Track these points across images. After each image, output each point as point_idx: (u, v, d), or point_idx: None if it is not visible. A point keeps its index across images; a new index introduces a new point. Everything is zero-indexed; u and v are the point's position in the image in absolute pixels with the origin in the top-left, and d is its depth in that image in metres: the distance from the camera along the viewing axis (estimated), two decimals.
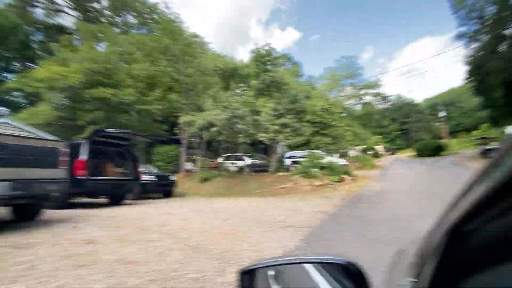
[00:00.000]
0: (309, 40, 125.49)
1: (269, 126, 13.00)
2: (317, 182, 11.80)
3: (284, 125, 13.05)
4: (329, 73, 49.24)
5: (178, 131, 16.30)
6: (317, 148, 24.86)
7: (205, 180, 14.32)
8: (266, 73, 13.57)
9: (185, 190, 13.76)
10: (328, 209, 6.91)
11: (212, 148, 22.44)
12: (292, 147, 27.27)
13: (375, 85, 49.05)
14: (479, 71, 35.26)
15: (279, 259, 0.95)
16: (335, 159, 15.86)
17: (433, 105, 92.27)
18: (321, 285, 0.80)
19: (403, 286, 0.58)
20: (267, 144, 29.15)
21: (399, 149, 73.68)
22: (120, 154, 8.89)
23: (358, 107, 52.20)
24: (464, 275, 0.42)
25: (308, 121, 24.70)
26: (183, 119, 12.27)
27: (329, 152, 24.81)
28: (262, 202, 8.91)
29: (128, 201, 10.22)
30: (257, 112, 16.10)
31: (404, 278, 0.57)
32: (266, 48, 14.12)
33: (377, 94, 69.63)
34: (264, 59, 14.02)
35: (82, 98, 16.12)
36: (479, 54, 33.50)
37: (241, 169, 15.62)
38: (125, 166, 8.89)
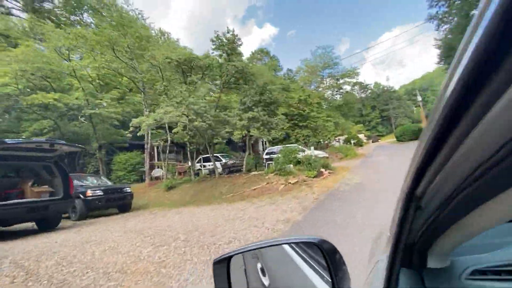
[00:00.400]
0: (287, 35, 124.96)
1: (236, 122, 11.62)
2: (293, 180, 10.61)
3: (253, 119, 11.72)
4: (306, 64, 48.49)
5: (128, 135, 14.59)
6: (296, 141, 23.85)
7: (171, 188, 12.80)
8: (229, 63, 12.15)
9: (148, 201, 12.20)
10: (295, 216, 5.67)
11: (187, 150, 20.85)
12: (273, 143, 26.13)
13: (353, 73, 48.80)
14: (451, 53, 35.78)
15: (253, 244, 0.87)
16: (314, 152, 14.78)
17: (410, 91, 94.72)
18: (299, 263, 0.85)
19: (381, 261, 0.63)
20: (245, 142, 27.92)
21: (380, 136, 74.82)
22: (45, 168, 7.24)
23: (338, 97, 51.72)
24: (429, 241, 0.50)
25: (285, 114, 23.60)
26: (133, 121, 10.63)
27: (309, 145, 23.92)
28: (224, 211, 7.57)
29: (68, 224, 8.61)
30: (225, 108, 14.71)
31: (382, 253, 0.63)
32: (229, 35, 12.64)
33: (356, 83, 69.97)
34: (226, 48, 12.57)
35: (22, 107, 14.06)
36: (450, 36, 33.93)
37: (213, 172, 14.18)
38: (53, 183, 7.25)
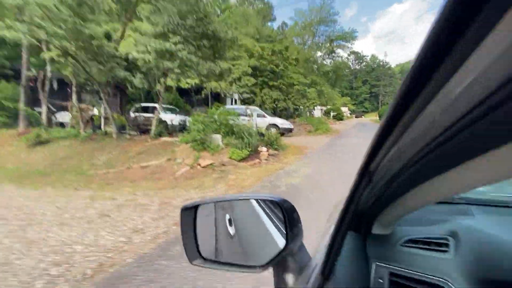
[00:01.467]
0: None
1: (134, 54, 7.18)
2: (206, 160, 6.79)
3: (166, 54, 7.32)
4: (300, 16, 41.55)
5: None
6: (263, 103, 19.68)
7: (40, 143, 8.59)
8: None
9: None
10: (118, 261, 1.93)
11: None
12: (245, 102, 21.72)
13: (349, 36, 42.94)
14: None
15: (223, 196, 0.96)
16: (261, 119, 10.88)
17: (406, 70, 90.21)
18: (262, 217, 0.91)
19: (332, 226, 0.67)
20: (207, 95, 23.21)
21: (365, 112, 71.98)
22: None
23: (329, 62, 46.14)
24: (376, 211, 0.58)
25: (253, 68, 18.89)
26: None
27: (274, 110, 19.92)
28: (23, 221, 3.70)
29: None
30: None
31: (334, 220, 0.67)
32: None
33: (352, 52, 63.62)
34: None
35: None
36: None
37: (123, 128, 9.97)
38: None
